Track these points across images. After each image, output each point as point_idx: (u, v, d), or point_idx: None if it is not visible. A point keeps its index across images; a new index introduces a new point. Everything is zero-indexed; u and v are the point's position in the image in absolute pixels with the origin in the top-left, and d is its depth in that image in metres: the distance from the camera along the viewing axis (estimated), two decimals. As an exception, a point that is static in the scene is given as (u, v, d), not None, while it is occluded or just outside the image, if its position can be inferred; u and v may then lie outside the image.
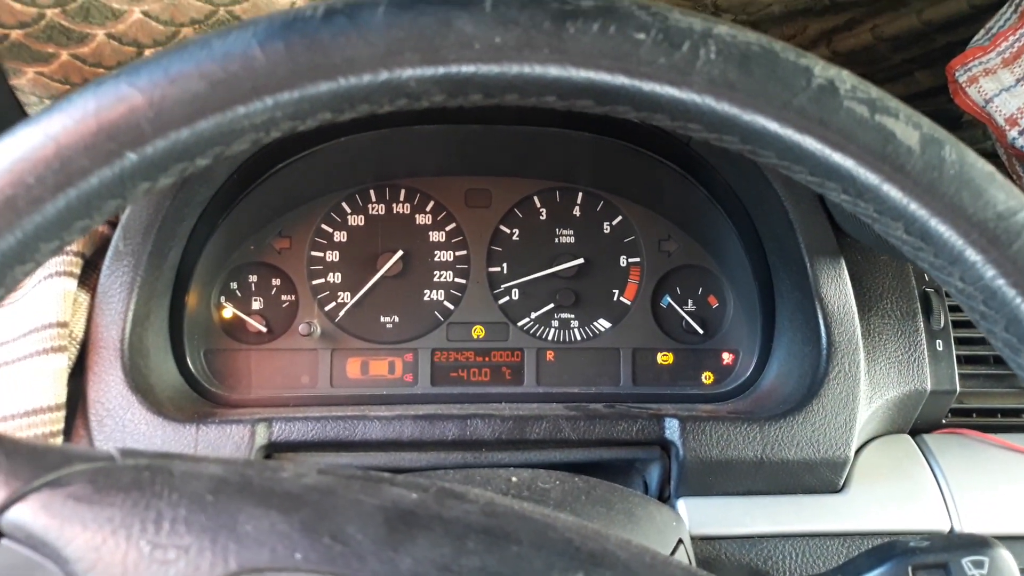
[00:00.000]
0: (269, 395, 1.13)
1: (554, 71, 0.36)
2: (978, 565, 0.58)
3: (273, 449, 0.94)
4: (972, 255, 0.37)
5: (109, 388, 0.92)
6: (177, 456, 0.39)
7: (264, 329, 1.16)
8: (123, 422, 0.91)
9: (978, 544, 0.59)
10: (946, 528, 0.93)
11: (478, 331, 1.19)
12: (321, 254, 1.19)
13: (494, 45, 0.35)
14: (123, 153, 0.35)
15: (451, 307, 1.20)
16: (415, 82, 0.36)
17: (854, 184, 0.38)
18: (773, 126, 0.37)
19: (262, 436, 0.92)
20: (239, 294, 1.17)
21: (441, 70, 0.36)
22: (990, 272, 0.37)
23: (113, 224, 0.99)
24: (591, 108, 0.38)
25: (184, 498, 0.35)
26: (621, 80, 0.36)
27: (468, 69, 0.36)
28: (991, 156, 0.92)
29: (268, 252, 1.18)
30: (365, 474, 0.40)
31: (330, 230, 1.19)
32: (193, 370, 1.09)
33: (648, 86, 0.36)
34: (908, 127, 0.37)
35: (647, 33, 0.35)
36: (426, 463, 0.95)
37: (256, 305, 1.17)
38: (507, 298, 1.20)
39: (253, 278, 1.17)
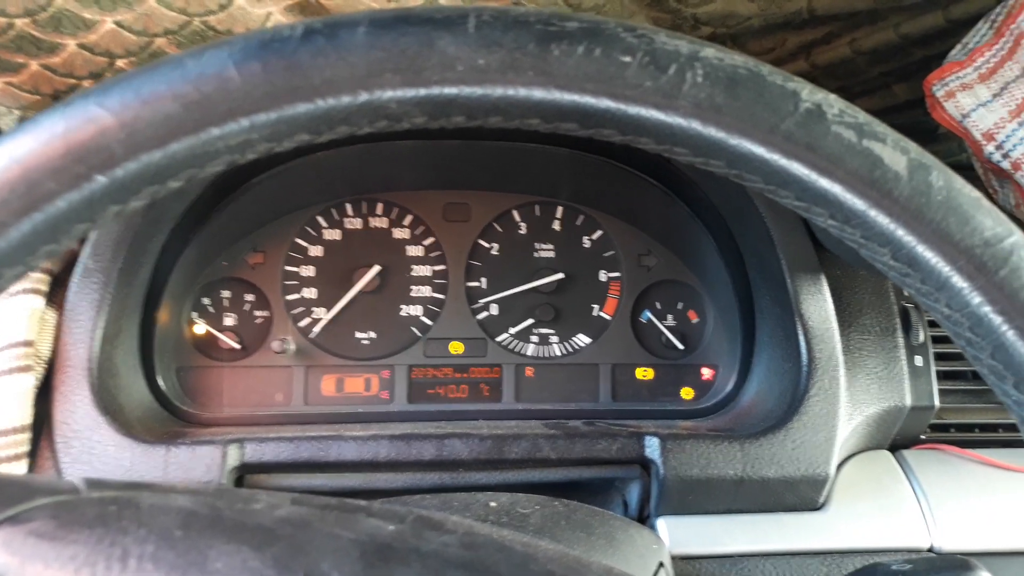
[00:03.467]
0: (242, 413, 1.11)
1: (538, 94, 0.35)
2: (961, 587, 0.58)
3: (245, 470, 0.92)
4: (959, 282, 0.37)
5: (76, 409, 0.89)
6: (146, 486, 0.38)
7: (237, 346, 1.14)
8: (90, 444, 0.89)
9: (960, 566, 0.59)
10: (926, 545, 0.93)
11: (456, 347, 1.18)
12: (296, 269, 1.17)
13: (477, 67, 0.34)
14: (92, 176, 0.34)
15: (429, 323, 1.18)
16: (396, 104, 0.35)
17: (841, 210, 0.37)
18: (760, 151, 0.36)
19: (234, 457, 0.90)
20: (212, 310, 1.15)
21: (423, 92, 0.35)
22: (977, 299, 0.37)
23: (82, 240, 0.97)
24: (575, 131, 0.37)
25: (152, 534, 0.34)
26: (606, 103, 0.35)
27: (451, 91, 0.35)
28: (967, 169, 0.93)
29: (242, 267, 1.16)
30: (340, 503, 0.39)
31: (305, 245, 1.18)
32: (164, 388, 1.07)
33: (633, 109, 0.35)
34: (896, 152, 0.37)
35: (633, 56, 0.35)
36: (402, 484, 0.94)
37: (229, 321, 1.15)
38: (486, 313, 1.19)
39: (226, 294, 1.15)
